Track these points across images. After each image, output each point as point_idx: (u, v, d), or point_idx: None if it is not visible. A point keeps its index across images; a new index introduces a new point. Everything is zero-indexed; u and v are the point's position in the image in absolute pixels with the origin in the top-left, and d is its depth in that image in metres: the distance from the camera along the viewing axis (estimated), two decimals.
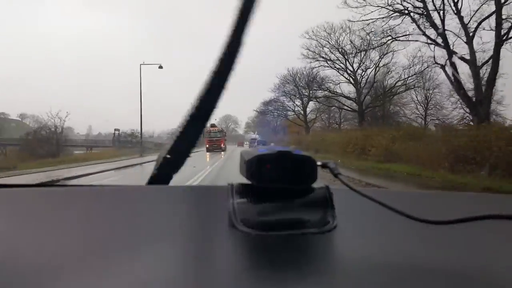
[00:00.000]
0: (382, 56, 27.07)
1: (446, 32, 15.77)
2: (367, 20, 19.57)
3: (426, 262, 0.46)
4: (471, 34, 15.37)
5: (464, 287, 0.41)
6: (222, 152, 34.01)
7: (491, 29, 14.47)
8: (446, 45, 15.55)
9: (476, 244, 0.54)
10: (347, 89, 30.98)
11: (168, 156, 0.87)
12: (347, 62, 29.51)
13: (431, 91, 29.87)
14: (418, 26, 17.47)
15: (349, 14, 26.56)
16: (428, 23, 16.88)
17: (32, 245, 0.52)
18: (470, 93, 15.47)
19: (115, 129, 36.17)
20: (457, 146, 11.55)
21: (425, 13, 16.82)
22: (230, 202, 0.56)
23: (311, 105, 40.37)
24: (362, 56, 28.20)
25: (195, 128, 0.87)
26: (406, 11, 17.80)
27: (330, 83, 31.31)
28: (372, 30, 20.83)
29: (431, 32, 16.98)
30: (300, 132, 49.73)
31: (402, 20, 18.35)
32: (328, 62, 29.96)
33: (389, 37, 20.47)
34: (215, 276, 0.41)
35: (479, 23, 15.34)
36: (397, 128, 20.02)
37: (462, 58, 15.39)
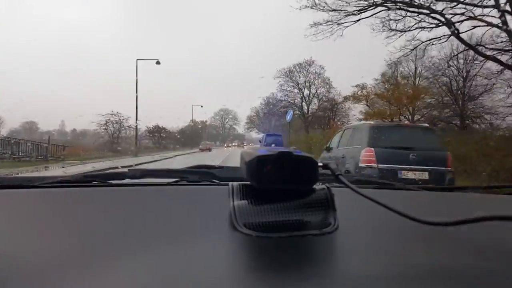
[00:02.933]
0: None
1: None
2: None
3: (428, 264, 0.46)
4: None
5: None
6: None
7: None
8: None
9: (477, 246, 0.54)
10: None
11: None
12: None
13: None
14: None
15: None
16: None
17: (32, 246, 0.52)
18: None
19: None
20: None
21: None
22: (230, 203, 0.56)
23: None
24: None
25: None
26: None
27: None
28: None
29: None
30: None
31: None
32: None
33: None
34: (215, 278, 0.41)
35: None
36: None
37: None
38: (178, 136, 47.32)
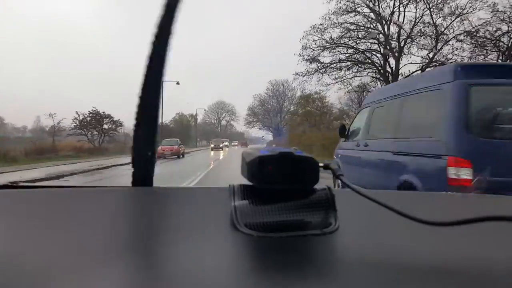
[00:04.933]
0: None
1: None
2: None
3: (428, 264, 0.46)
4: None
5: None
6: None
7: None
8: None
9: (477, 246, 0.54)
10: None
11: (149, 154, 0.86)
12: None
13: None
14: None
15: None
16: None
17: (31, 247, 0.52)
18: None
19: None
20: None
21: None
22: (231, 203, 0.56)
23: None
24: None
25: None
26: None
27: None
28: None
29: None
30: None
31: None
32: None
33: None
34: (216, 278, 0.41)
35: None
36: None
37: None
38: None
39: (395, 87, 4.84)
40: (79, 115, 24.75)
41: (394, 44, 15.85)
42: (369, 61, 17.31)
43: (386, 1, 15.76)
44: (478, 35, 14.34)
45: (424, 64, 15.84)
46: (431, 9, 14.42)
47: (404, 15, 15.35)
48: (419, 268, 0.45)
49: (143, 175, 0.90)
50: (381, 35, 15.91)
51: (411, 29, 15.41)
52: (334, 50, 17.62)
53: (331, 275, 0.43)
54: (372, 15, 16.16)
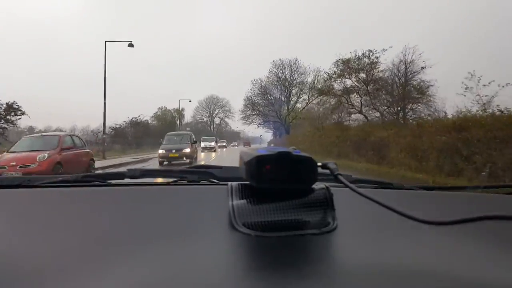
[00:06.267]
0: None
1: None
2: None
3: (427, 263, 0.46)
4: None
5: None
6: None
7: None
8: None
9: (477, 245, 0.54)
10: None
11: None
12: None
13: None
14: None
15: None
16: None
17: (31, 246, 0.52)
18: None
19: None
20: None
21: None
22: (229, 203, 0.56)
23: None
24: None
25: None
26: None
27: None
28: None
29: None
30: None
31: None
32: None
33: None
34: (214, 278, 0.41)
35: None
36: None
37: None
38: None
39: None
40: None
41: None
42: None
43: None
44: None
45: None
46: None
47: None
48: (418, 267, 0.45)
49: None
50: None
51: None
52: None
53: (329, 275, 0.43)
54: None
